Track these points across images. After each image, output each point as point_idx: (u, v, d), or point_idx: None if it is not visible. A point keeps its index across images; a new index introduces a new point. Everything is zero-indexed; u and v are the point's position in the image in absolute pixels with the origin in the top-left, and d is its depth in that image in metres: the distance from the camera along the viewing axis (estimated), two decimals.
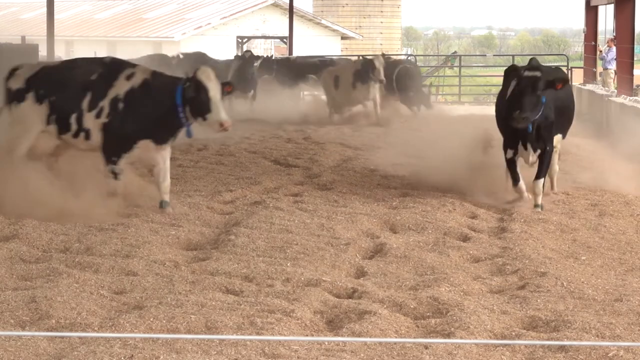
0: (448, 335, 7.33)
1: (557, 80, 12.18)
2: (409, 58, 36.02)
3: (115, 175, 11.77)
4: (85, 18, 58.03)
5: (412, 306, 8.06)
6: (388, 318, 7.67)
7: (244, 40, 47.77)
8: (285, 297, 8.20)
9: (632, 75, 25.59)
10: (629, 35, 26.08)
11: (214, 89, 11.45)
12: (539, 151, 12.48)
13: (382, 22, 54.19)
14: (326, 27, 53.42)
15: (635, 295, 8.41)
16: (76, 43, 52.85)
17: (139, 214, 11.54)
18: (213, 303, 7.93)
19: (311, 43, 48.19)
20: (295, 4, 39.69)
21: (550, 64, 35.50)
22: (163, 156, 11.86)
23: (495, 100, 13.96)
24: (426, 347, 6.98)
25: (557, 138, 12.96)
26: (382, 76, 24.43)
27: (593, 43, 31.39)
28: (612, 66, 30.48)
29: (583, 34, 33.36)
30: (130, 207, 11.83)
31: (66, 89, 11.77)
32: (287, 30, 38.82)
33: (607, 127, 22.88)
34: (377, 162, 16.49)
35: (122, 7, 59.42)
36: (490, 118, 13.36)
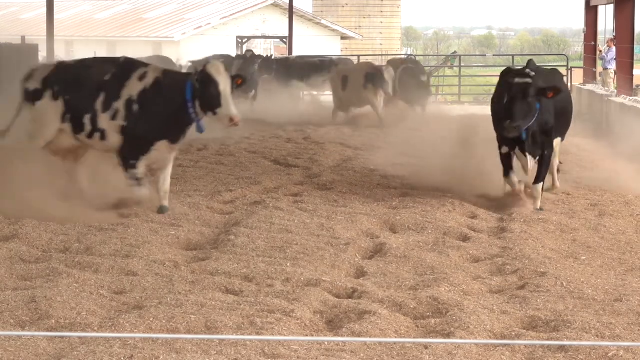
0: (448, 335, 7.33)
1: (549, 89, 12.01)
2: (410, 57, 36.00)
3: (138, 181, 11.70)
4: (85, 18, 58.02)
5: (412, 306, 8.06)
6: (388, 318, 7.66)
7: (244, 40, 47.78)
8: (285, 297, 8.20)
9: (632, 75, 25.59)
10: (628, 35, 26.08)
11: (224, 83, 11.41)
12: (537, 157, 12.44)
13: (382, 22, 54.19)
14: (326, 27, 53.42)
15: (635, 295, 8.41)
16: (76, 43, 52.83)
17: (139, 214, 11.53)
18: (213, 303, 7.93)
19: (311, 43, 48.17)
20: (295, 4, 39.72)
21: (550, 64, 35.54)
22: (172, 158, 11.87)
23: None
24: (426, 347, 6.98)
25: (556, 142, 12.94)
26: (390, 90, 24.61)
27: (593, 43, 31.40)
28: (612, 66, 30.48)
29: (583, 34, 33.36)
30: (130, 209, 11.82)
31: (80, 88, 11.75)
32: (287, 30, 38.82)
33: (607, 127, 22.88)
34: (377, 162, 16.49)
35: (122, 7, 59.42)
36: (490, 118, 13.34)
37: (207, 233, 10.79)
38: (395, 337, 7.33)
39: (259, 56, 30.14)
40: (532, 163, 12.47)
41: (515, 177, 12.52)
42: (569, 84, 32.70)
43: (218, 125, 11.85)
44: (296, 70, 30.54)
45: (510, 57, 41.72)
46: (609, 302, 8.25)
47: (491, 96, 13.22)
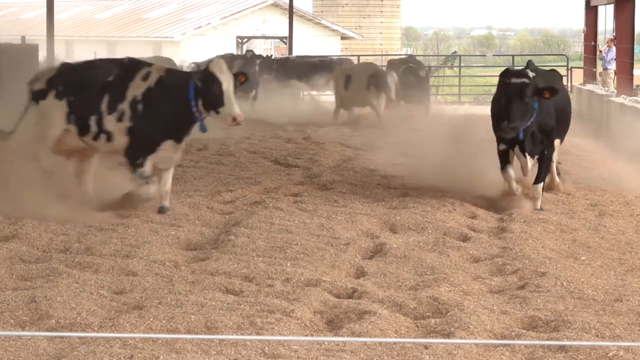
0: (448, 335, 7.33)
1: (545, 89, 12.00)
2: (411, 56, 35.99)
3: (145, 179, 11.69)
4: (85, 18, 58.03)
5: (412, 306, 8.06)
6: (388, 318, 7.66)
7: (244, 40, 47.79)
8: (285, 297, 8.20)
9: (632, 75, 25.60)
10: (628, 35, 26.09)
11: (227, 82, 11.37)
12: (536, 157, 12.43)
13: (382, 22, 54.20)
14: (326, 27, 53.42)
15: (635, 295, 8.41)
16: (76, 43, 52.84)
17: (138, 214, 11.53)
18: (213, 303, 7.93)
19: (311, 43, 48.17)
20: (295, 4, 39.71)
21: (550, 64, 35.56)
22: (177, 158, 11.85)
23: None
24: (426, 347, 6.98)
25: (555, 143, 12.93)
26: (392, 94, 24.67)
27: (593, 43, 31.41)
28: (612, 66, 30.50)
29: (583, 34, 33.37)
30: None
31: (84, 89, 11.74)
32: (287, 30, 38.83)
33: (607, 127, 22.89)
34: (377, 162, 16.49)
35: (122, 7, 59.43)
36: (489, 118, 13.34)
37: (207, 233, 10.79)
38: (395, 337, 7.33)
39: (259, 56, 30.13)
40: (531, 163, 12.46)
41: (511, 171, 12.49)
42: (569, 84, 32.74)
43: (220, 124, 11.80)
44: (296, 70, 30.55)
45: (510, 57, 41.72)
46: (609, 302, 8.25)
47: (491, 97, 13.22)
